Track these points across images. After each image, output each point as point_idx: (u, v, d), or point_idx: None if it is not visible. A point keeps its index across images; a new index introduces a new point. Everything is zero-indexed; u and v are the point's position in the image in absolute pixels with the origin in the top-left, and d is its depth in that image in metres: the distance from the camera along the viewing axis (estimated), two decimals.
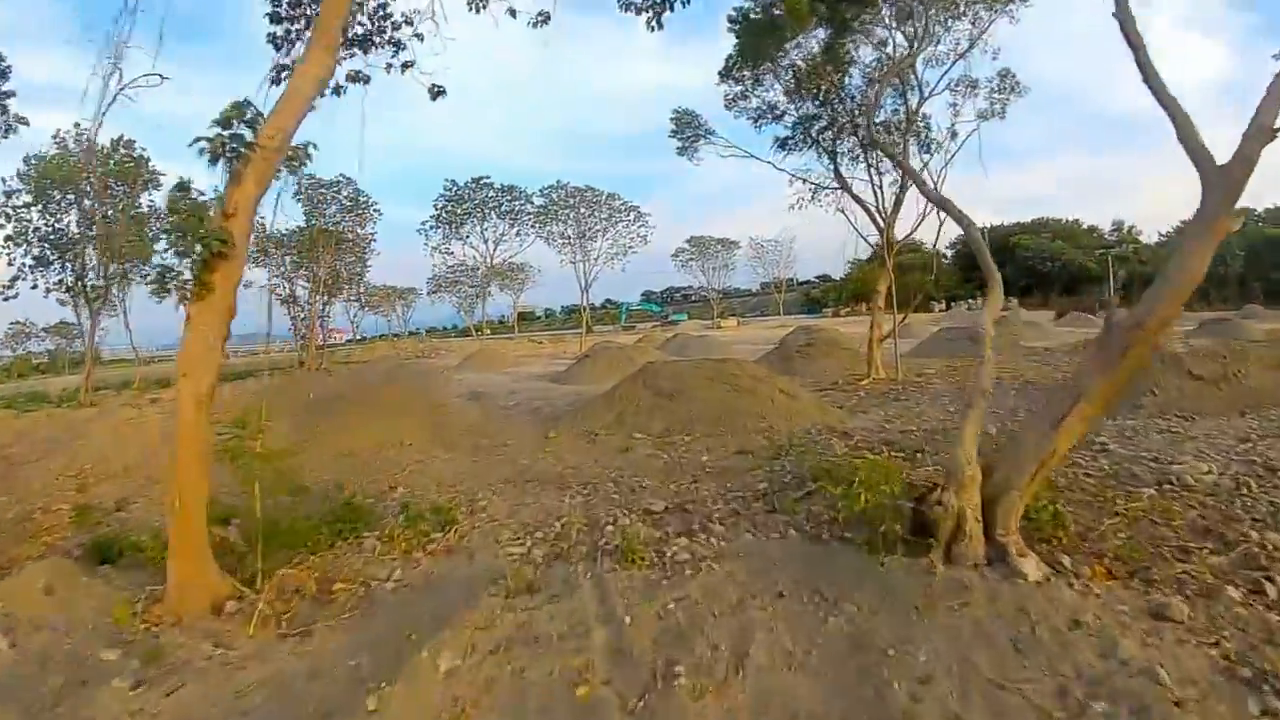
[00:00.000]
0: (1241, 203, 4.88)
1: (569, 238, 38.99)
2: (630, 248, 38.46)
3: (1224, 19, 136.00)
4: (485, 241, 39.45)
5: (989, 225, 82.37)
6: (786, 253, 61.93)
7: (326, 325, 60.04)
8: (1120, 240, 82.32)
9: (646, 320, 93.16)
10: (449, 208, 38.23)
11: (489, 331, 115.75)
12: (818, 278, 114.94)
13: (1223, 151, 4.66)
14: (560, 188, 37.87)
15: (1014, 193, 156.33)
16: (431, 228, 39.00)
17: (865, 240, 18.63)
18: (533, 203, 38.68)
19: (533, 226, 39.27)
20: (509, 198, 38.15)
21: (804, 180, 16.77)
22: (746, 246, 63.16)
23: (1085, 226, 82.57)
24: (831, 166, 16.94)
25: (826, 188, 16.77)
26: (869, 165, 15.99)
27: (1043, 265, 75.75)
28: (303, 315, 43.96)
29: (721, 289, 68.30)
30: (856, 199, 16.20)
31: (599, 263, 38.61)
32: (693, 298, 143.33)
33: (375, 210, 44.09)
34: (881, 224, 16.35)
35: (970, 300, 74.53)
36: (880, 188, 15.96)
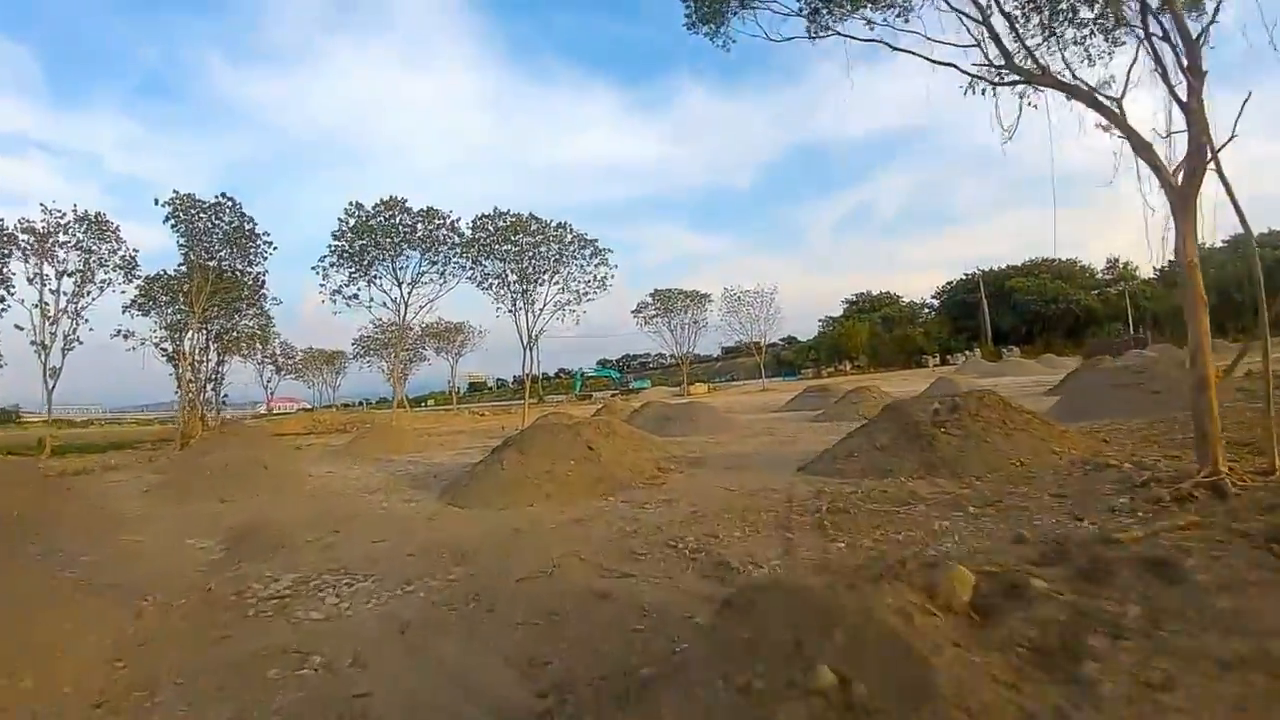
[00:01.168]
0: None
1: (507, 281, 30.18)
2: (586, 294, 29.65)
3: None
4: (400, 284, 30.32)
5: (979, 270, 76.43)
6: (768, 305, 54.24)
7: (270, 393, 50.24)
8: (1119, 277, 76.86)
9: (605, 389, 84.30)
10: (351, 239, 29.33)
11: (432, 403, 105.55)
12: (783, 340, 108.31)
13: None
14: (497, 216, 29.47)
15: (964, 252, 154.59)
16: (332, 264, 29.77)
17: None
18: (460, 234, 29.87)
19: (461, 264, 30.29)
20: (428, 222, 29.30)
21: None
22: (719, 299, 55.17)
23: (1079, 266, 76.90)
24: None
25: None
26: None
27: (1045, 308, 69.22)
28: (191, 376, 34.91)
29: (690, 350, 59.52)
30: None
31: (545, 314, 29.69)
32: (651, 365, 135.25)
33: (266, 244, 34.99)
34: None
35: (968, 352, 67.46)
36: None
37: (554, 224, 30.26)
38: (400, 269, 29.95)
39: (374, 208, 29.37)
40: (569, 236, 30.26)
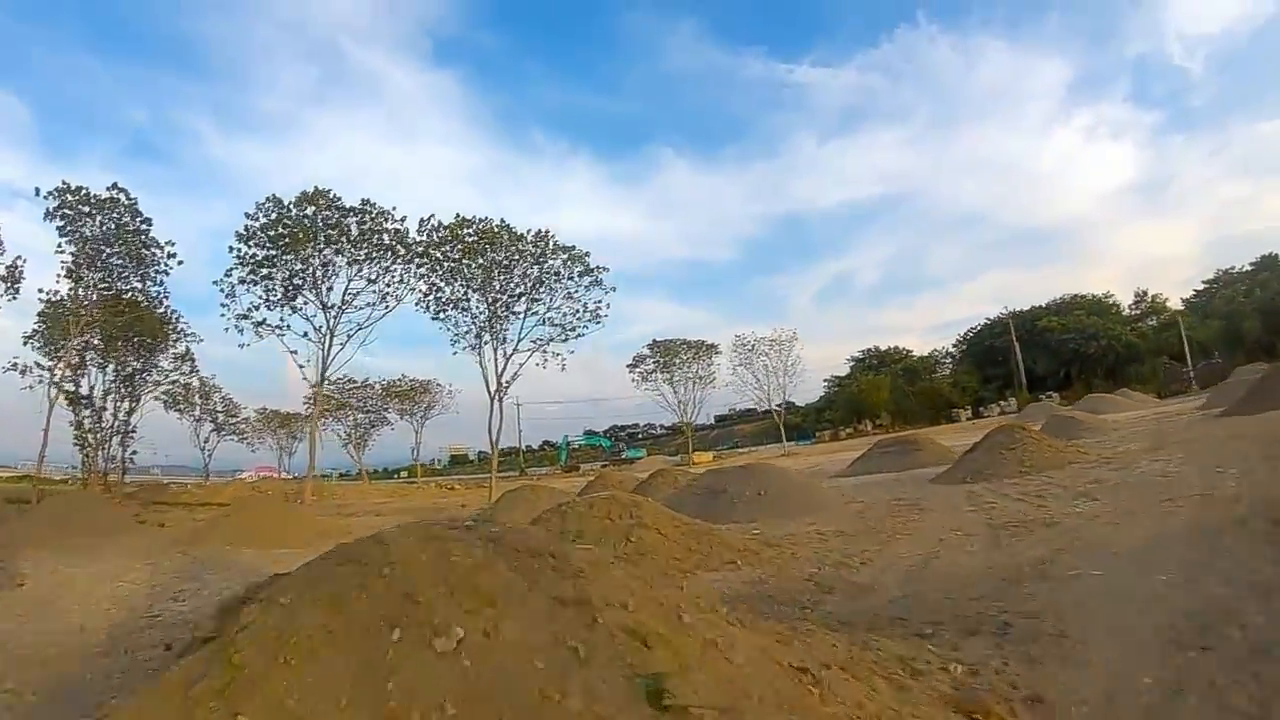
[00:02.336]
0: None
1: (469, 309, 22.52)
2: (574, 328, 22.06)
3: (1129, 120, 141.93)
4: (325, 308, 22.27)
5: (1007, 310, 69.50)
6: (787, 355, 46.66)
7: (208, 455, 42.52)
8: (1149, 310, 70.25)
9: (594, 459, 75.93)
10: (263, 244, 21.49)
11: (404, 474, 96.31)
12: (780, 405, 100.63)
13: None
14: (460, 226, 22.03)
15: (943, 316, 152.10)
16: (240, 280, 21.66)
17: None
18: (407, 244, 22.16)
19: (405, 282, 22.67)
20: (363, 220, 21.52)
21: None
22: (730, 349, 47.58)
23: (1111, 301, 70.41)
24: None
25: None
26: None
27: (1084, 346, 61.94)
28: (97, 424, 29.76)
29: (696, 409, 51.59)
30: None
31: (518, 349, 22.05)
32: (640, 435, 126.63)
33: (170, 256, 27.37)
34: None
35: (1003, 402, 59.84)
36: None
37: (531, 234, 22.81)
38: (326, 287, 22.11)
39: (292, 203, 21.69)
40: (552, 251, 22.76)
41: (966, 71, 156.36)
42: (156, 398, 40.29)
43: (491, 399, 22.36)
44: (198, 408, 47.09)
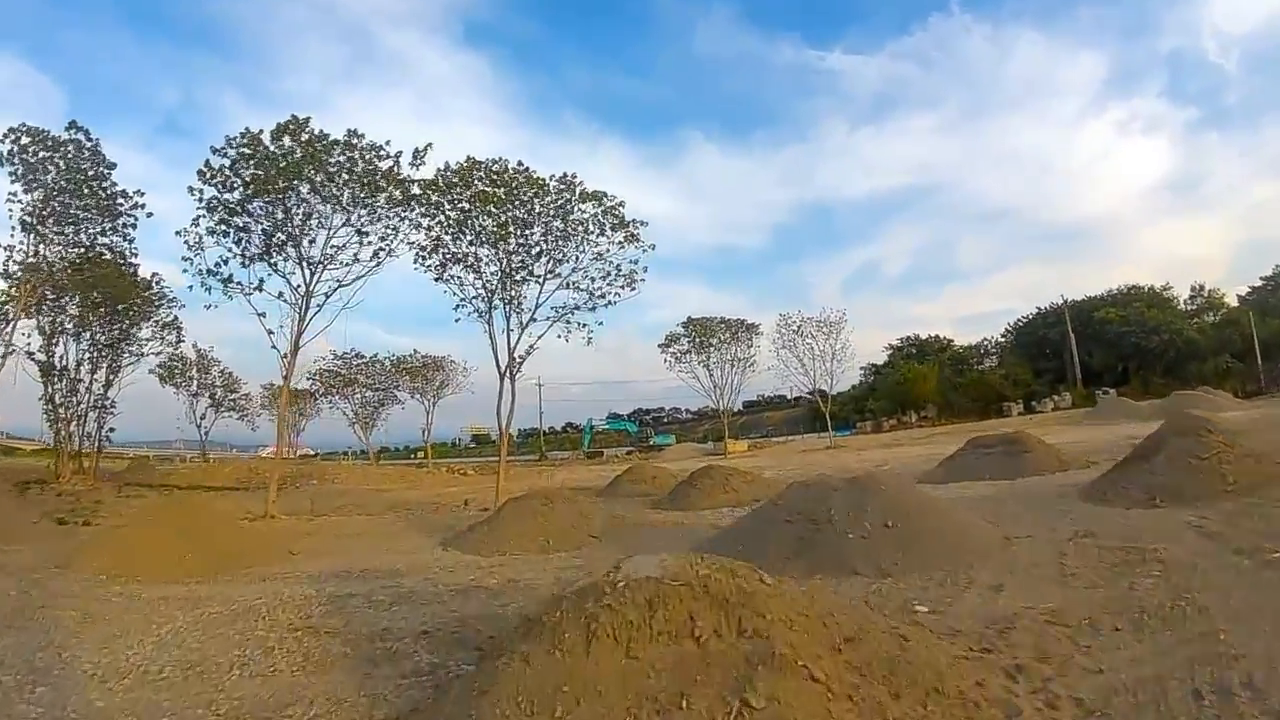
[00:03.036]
0: None
1: (475, 265, 18.64)
2: (604, 294, 18.23)
3: (1162, 116, 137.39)
4: (303, 263, 18.33)
5: (1065, 299, 64.52)
6: (837, 340, 42.22)
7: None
8: (1206, 305, 65.29)
9: (619, 444, 72.16)
10: (233, 187, 17.68)
11: (420, 455, 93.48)
12: (812, 392, 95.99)
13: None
14: (471, 170, 18.19)
15: (969, 309, 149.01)
16: (209, 230, 17.67)
17: None
18: (405, 185, 18.25)
19: (398, 230, 18.81)
20: (351, 155, 17.60)
21: None
22: (773, 331, 43.20)
23: (1170, 294, 65.37)
24: None
25: None
26: None
27: (1145, 340, 57.04)
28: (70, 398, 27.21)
29: (735, 395, 47.44)
30: None
31: (535, 319, 18.22)
32: (665, 419, 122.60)
33: (137, 206, 24.05)
34: None
35: (1056, 397, 55.37)
36: None
37: (554, 179, 18.85)
38: (308, 239, 18.19)
39: (268, 133, 17.74)
40: (579, 200, 18.79)
41: (999, 62, 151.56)
42: (152, 371, 37.47)
43: (501, 377, 18.47)
44: (195, 382, 43.95)
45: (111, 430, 29.84)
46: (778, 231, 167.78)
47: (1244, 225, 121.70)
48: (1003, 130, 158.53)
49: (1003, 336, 70.33)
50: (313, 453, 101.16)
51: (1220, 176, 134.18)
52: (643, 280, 19.23)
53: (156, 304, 28.65)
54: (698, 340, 42.70)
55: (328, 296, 18.05)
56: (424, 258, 18.70)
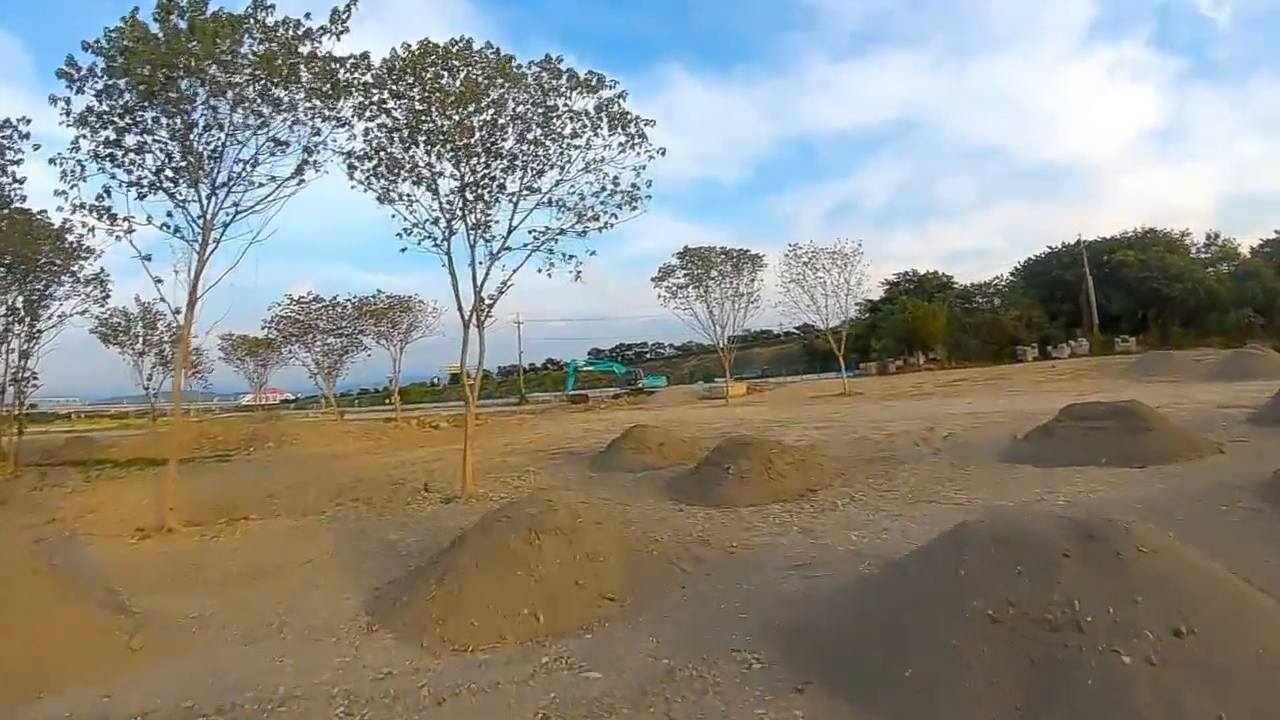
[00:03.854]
0: None
1: (430, 181, 14.14)
2: (599, 214, 13.74)
3: (1152, 64, 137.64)
4: (201, 186, 13.92)
5: (1081, 239, 60.69)
6: (853, 273, 37.86)
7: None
8: (1221, 255, 61.96)
9: (603, 386, 68.05)
10: (114, 93, 13.12)
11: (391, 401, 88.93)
12: (799, 329, 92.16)
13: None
14: (425, 55, 13.57)
15: (951, 246, 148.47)
16: (92, 154, 13.17)
17: None
18: (331, 70, 13.66)
19: (327, 125, 14.00)
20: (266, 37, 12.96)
21: None
22: (780, 263, 38.72)
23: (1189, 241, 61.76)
24: None
25: None
26: None
27: (1167, 288, 53.54)
28: None
29: (740, 330, 42.88)
30: None
31: (508, 247, 13.74)
32: (648, 357, 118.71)
33: (21, 136, 19.18)
34: None
35: (1072, 342, 52.15)
36: None
37: (532, 66, 14.24)
38: (209, 152, 13.47)
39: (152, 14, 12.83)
40: (566, 90, 14.21)
41: (984, 1, 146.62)
42: (93, 331, 33.38)
43: (466, 324, 14.15)
44: (140, 339, 39.16)
45: (33, 406, 25.36)
46: (758, 165, 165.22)
47: (1228, 179, 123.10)
48: (987, 70, 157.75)
49: (1011, 275, 66.43)
50: (292, 398, 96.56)
51: (1206, 129, 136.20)
52: (648, 197, 14.80)
53: (75, 256, 23.71)
54: (695, 273, 38.29)
55: (226, 227, 13.44)
56: (359, 168, 14.09)
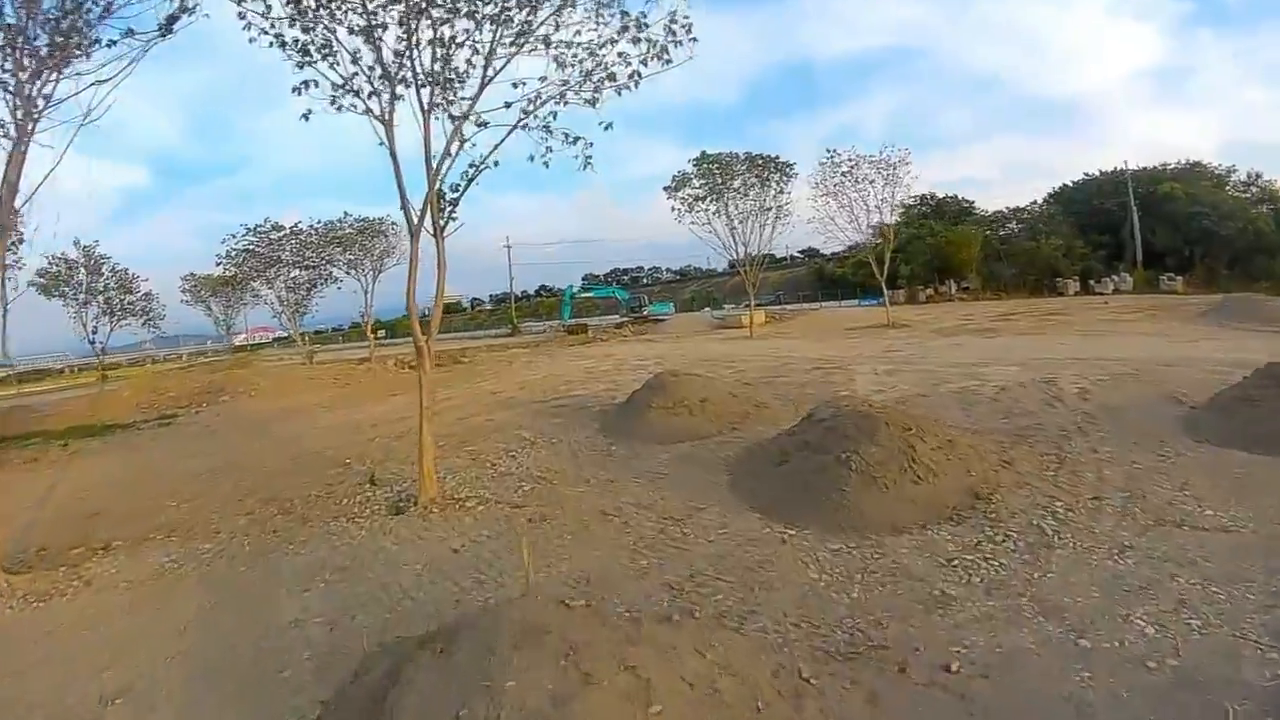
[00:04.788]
0: None
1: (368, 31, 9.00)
2: (614, 70, 8.46)
3: (1155, 5, 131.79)
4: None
5: (1125, 166, 55.16)
6: (896, 184, 32.40)
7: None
8: (1261, 196, 56.33)
9: (605, 313, 62.92)
10: None
11: (381, 335, 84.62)
12: (801, 253, 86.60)
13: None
14: None
15: (947, 175, 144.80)
16: None
17: None
18: None
19: None
20: None
21: None
22: (811, 175, 33.18)
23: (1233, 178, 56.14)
24: None
25: None
26: None
27: (1219, 226, 48.47)
28: None
29: (763, 252, 36.60)
30: None
31: (488, 118, 8.48)
32: (645, 281, 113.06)
33: None
34: None
35: (1115, 277, 47.36)
36: None
37: None
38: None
39: None
40: None
41: None
42: (31, 283, 29.04)
43: (414, 229, 9.11)
44: (83, 288, 34.28)
45: None
46: (754, 89, 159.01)
47: (1231, 126, 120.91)
48: (988, 5, 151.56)
49: (1045, 202, 60.62)
50: (285, 334, 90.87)
51: (1210, 74, 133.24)
52: (691, 38, 9.71)
53: None
54: (713, 184, 32.79)
55: (47, 99, 8.37)
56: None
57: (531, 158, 9.68)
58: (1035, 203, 60.19)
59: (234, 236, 35.63)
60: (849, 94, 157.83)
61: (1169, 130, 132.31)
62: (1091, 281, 47.81)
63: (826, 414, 8.43)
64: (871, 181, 32.68)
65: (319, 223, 35.46)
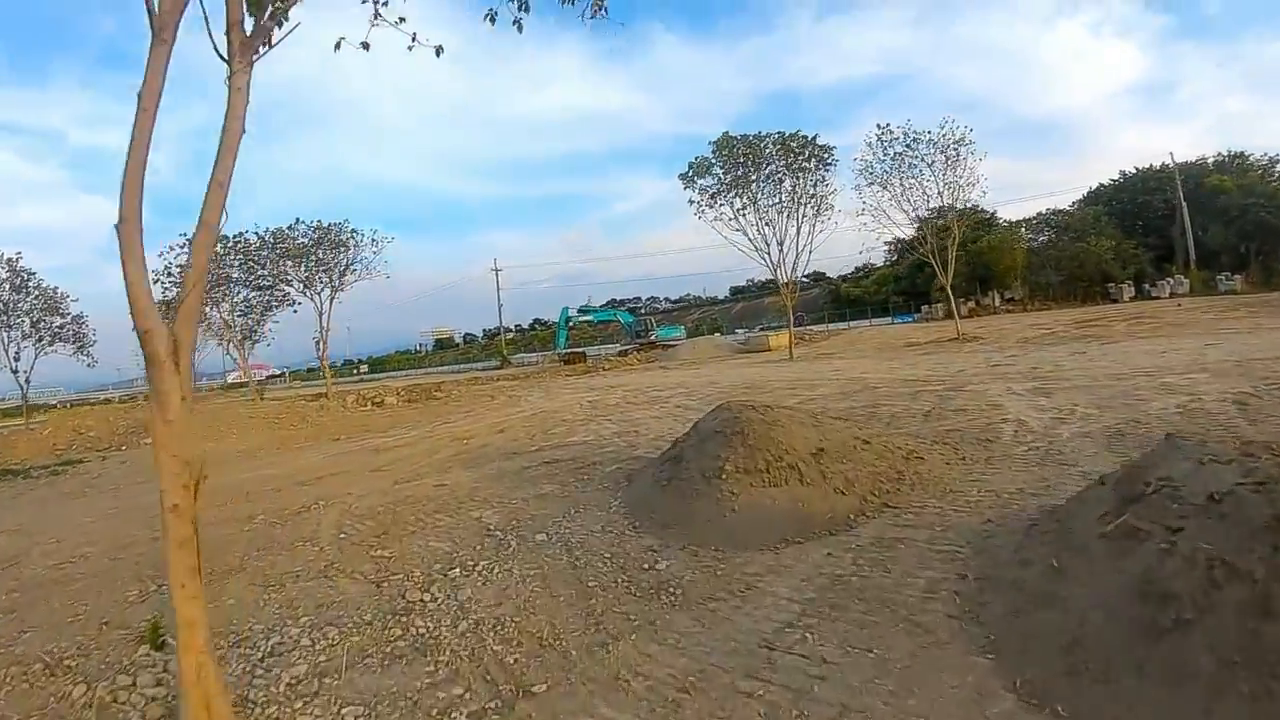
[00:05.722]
0: None
1: None
2: None
3: (1137, 20, 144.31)
4: None
5: (1173, 160, 50.40)
6: (959, 168, 26.89)
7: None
8: None
9: (605, 341, 57.40)
10: None
11: (364, 370, 79.50)
12: (808, 276, 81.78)
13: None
14: None
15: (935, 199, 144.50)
16: None
17: None
18: None
19: None
20: None
21: None
22: (859, 159, 27.66)
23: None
24: None
25: None
26: None
27: (1276, 218, 43.75)
28: None
29: (796, 261, 29.53)
30: None
31: None
32: (641, 310, 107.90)
33: None
34: None
35: (1170, 280, 42.59)
36: None
37: None
38: None
39: None
40: None
41: None
42: None
43: (228, 53, 3.48)
44: (6, 309, 28.93)
45: None
46: (740, 121, 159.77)
47: (1216, 137, 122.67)
48: (974, 24, 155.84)
49: (1081, 203, 55.67)
50: (277, 373, 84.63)
51: (1193, 86, 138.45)
52: None
53: None
54: (741, 173, 26.97)
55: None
56: None
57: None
58: (1075, 204, 55.25)
59: (171, 249, 30.06)
60: (835, 122, 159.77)
61: (1154, 143, 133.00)
62: (1146, 285, 43.05)
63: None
64: (930, 163, 27.19)
65: (266, 231, 29.91)
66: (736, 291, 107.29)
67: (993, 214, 60.37)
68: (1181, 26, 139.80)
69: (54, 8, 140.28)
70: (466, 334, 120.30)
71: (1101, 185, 55.67)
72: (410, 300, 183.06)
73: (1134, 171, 53.87)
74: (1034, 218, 56.26)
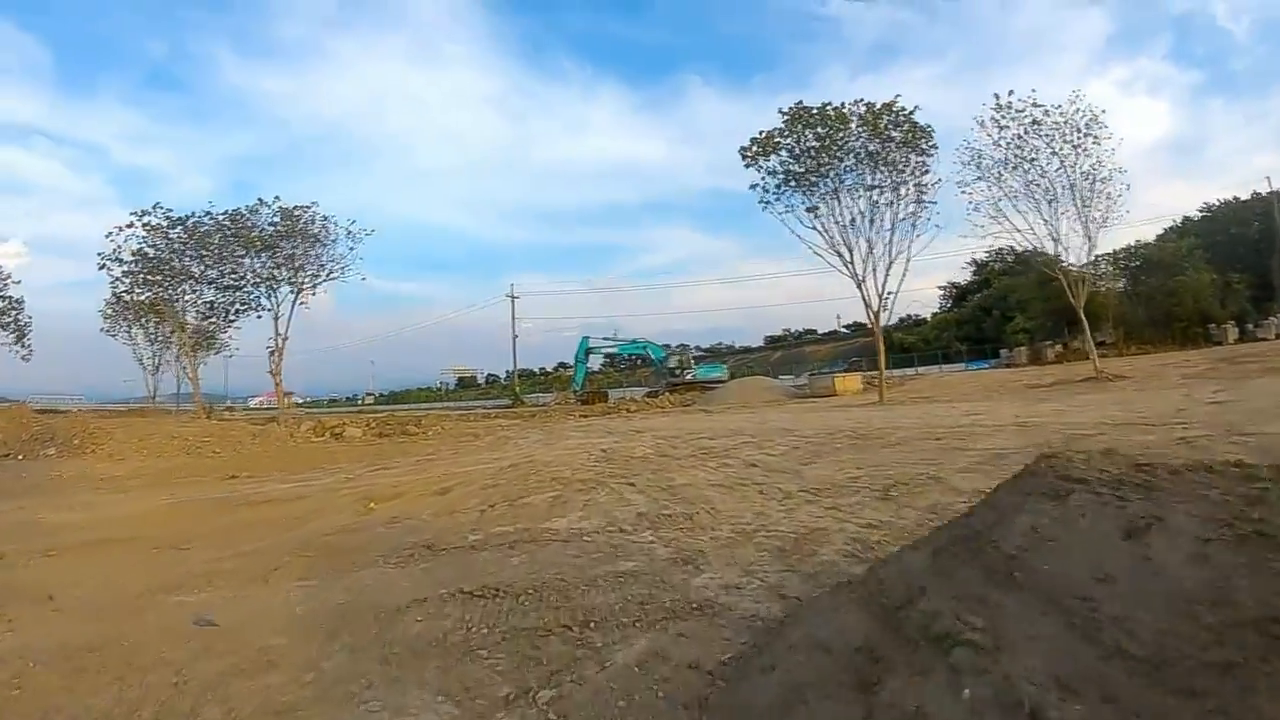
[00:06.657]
0: None
1: None
2: None
3: (1167, 78, 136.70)
4: None
5: (1270, 183, 44.47)
6: (1096, 162, 21.51)
7: None
8: None
9: (632, 385, 51.07)
10: None
11: (369, 400, 74.25)
12: (847, 327, 76.32)
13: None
14: None
15: (967, 255, 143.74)
16: None
17: None
18: None
19: None
20: None
21: None
22: (988, 123, 21.81)
23: None
24: None
25: None
26: None
27: None
28: None
29: (890, 278, 22.64)
30: None
31: None
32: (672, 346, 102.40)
33: None
34: None
35: (1275, 319, 36.65)
36: None
37: None
38: None
39: None
40: None
41: (1003, 14, 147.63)
42: None
43: None
44: None
45: None
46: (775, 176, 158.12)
47: (1246, 190, 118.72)
48: (1005, 82, 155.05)
49: (1167, 236, 49.35)
50: (300, 400, 79.10)
51: (1223, 143, 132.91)
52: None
53: None
54: (820, 156, 21.35)
55: None
56: None
57: None
58: (1163, 234, 49.02)
59: (119, 229, 24.83)
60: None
61: (1185, 200, 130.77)
62: (1249, 325, 36.94)
63: None
64: (1055, 151, 21.35)
65: (223, 213, 24.73)
66: (771, 340, 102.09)
67: (1056, 257, 54.19)
68: (1210, 83, 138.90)
69: (106, 24, 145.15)
70: (489, 374, 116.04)
71: (1187, 218, 49.92)
72: (435, 339, 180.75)
73: (1218, 203, 48.44)
74: (1107, 254, 49.98)
